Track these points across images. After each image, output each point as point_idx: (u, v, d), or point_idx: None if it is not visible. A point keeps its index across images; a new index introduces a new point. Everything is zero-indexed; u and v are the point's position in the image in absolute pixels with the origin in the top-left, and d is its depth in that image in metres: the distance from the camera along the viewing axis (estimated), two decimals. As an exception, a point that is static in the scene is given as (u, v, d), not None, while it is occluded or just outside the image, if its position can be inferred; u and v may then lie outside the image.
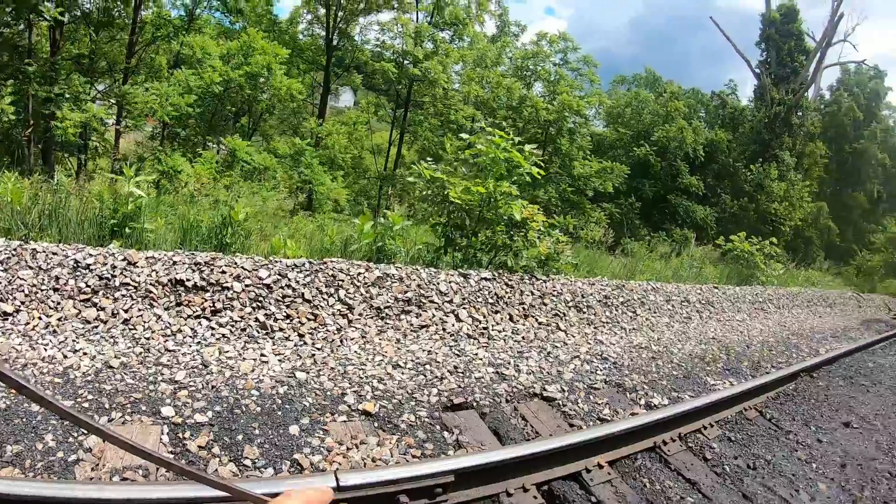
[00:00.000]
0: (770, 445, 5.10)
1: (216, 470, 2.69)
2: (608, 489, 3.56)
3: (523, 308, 6.39)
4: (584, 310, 6.99)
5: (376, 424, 3.42)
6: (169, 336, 4.15)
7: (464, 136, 7.74)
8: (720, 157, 27.76)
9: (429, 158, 8.45)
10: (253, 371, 3.83)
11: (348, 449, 3.09)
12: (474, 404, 3.98)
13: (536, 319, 6.36)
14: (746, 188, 27.41)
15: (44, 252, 4.40)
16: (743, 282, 14.26)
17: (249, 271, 4.79)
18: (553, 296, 6.79)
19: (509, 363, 5.04)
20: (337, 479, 2.40)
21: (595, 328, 6.80)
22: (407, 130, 24.64)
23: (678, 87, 32.20)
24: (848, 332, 12.84)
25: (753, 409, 5.86)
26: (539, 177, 7.47)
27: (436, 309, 5.63)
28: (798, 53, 34.47)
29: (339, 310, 5.00)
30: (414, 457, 3.19)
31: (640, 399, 5.11)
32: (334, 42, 22.27)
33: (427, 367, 4.50)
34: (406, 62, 20.54)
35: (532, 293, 6.62)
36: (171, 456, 2.52)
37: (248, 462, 2.81)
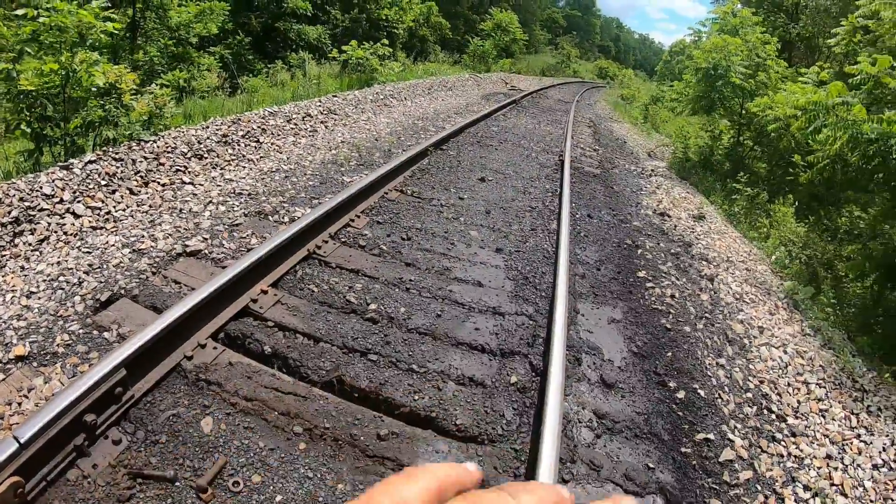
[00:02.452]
0: (418, 215, 5.77)
1: None
2: (280, 309, 3.69)
3: (140, 177, 5.88)
4: (206, 155, 6.71)
5: (35, 364, 3.06)
6: None
7: (19, 12, 6.40)
8: (322, -25, 27.46)
9: None
10: None
11: (20, 403, 2.78)
12: (122, 292, 3.72)
13: (158, 182, 5.94)
14: (355, 1, 27.92)
15: None
16: (364, 85, 15.04)
17: None
18: (168, 153, 6.34)
19: (143, 236, 4.70)
20: (17, 440, 2.20)
21: (221, 169, 6.63)
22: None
23: None
24: (470, 108, 14.70)
25: (393, 190, 6.49)
26: (117, 31, 6.84)
27: (48, 216, 4.91)
28: None
29: (-62, 270, 4.08)
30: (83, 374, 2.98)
31: (283, 218, 5.28)
32: None
33: (61, 279, 4.03)
34: None
35: (145, 158, 6.09)
36: None
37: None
